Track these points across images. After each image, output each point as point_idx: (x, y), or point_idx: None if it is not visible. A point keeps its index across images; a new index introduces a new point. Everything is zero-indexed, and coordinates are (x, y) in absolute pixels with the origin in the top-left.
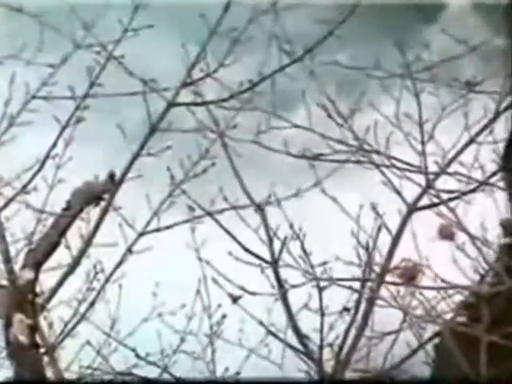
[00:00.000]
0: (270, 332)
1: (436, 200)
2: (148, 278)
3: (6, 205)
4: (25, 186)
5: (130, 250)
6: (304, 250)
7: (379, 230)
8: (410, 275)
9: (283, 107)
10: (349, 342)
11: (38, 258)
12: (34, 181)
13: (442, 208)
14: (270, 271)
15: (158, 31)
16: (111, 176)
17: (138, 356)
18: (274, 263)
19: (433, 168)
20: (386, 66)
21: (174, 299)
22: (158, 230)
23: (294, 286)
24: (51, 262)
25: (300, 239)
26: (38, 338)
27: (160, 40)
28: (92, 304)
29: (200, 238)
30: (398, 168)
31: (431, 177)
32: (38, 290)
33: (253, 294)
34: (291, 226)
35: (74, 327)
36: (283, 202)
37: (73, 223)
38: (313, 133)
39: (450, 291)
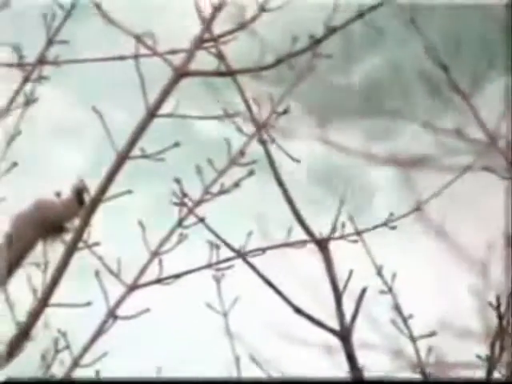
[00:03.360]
0: None
1: None
2: (145, 358)
3: None
4: None
5: (113, 314)
6: (399, 311)
7: None
8: None
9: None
10: None
11: None
12: None
13: None
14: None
15: None
16: (79, 191)
17: None
18: (346, 334)
19: None
20: None
21: None
22: (159, 280)
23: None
24: None
25: (392, 292)
26: None
27: None
28: None
29: (229, 294)
30: None
31: None
32: None
33: None
34: (379, 272)
35: None
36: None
37: (16, 270)
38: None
39: None
